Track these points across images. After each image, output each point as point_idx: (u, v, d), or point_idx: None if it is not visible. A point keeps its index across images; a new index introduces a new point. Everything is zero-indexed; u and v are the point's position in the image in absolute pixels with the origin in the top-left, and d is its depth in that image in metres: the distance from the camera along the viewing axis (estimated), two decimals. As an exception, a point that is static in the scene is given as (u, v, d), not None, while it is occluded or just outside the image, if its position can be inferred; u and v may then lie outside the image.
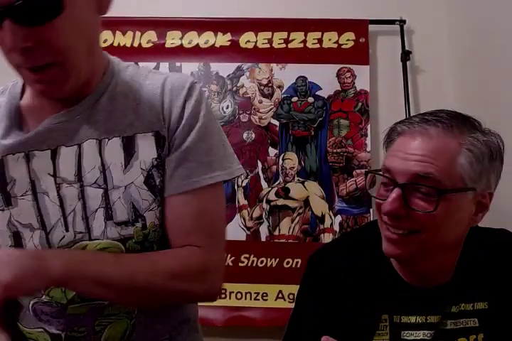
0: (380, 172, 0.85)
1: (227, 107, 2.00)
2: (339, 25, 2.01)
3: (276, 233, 1.91)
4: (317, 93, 1.99)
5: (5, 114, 0.80)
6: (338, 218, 1.91)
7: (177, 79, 0.83)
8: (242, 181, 1.94)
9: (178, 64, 2.03)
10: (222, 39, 2.03)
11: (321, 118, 1.97)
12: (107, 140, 0.78)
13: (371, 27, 2.02)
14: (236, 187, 1.94)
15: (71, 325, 0.79)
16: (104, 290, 0.73)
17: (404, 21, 2.03)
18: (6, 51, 0.69)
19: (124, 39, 2.03)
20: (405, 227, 0.81)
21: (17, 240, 0.78)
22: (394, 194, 0.80)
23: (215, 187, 0.81)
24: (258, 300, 1.86)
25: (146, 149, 0.79)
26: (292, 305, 0.98)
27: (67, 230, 0.77)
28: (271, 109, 1.98)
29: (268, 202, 1.93)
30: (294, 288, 0.99)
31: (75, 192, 0.77)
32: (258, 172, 1.95)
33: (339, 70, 1.99)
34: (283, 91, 1.99)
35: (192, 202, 0.80)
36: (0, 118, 0.80)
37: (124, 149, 0.78)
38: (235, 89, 2.01)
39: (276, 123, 1.98)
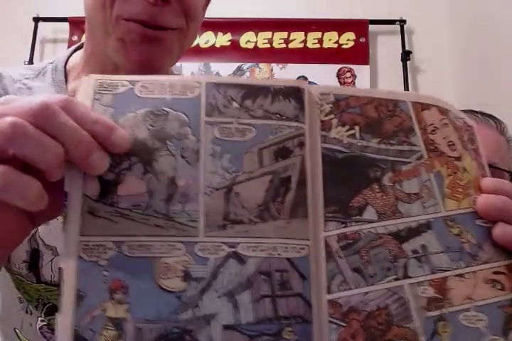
0: None
1: (228, 107, 1.99)
2: (339, 25, 2.01)
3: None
4: (317, 93, 1.99)
5: None
6: (338, 218, 1.91)
7: None
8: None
9: (178, 64, 2.01)
10: (223, 39, 2.03)
11: (321, 118, 1.97)
12: None
13: (371, 27, 2.02)
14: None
15: None
16: None
17: (404, 21, 2.03)
18: None
19: (124, 39, 2.03)
20: None
21: (34, 257, 0.69)
22: None
23: None
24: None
25: None
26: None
27: None
28: (271, 109, 1.98)
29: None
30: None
31: None
32: (258, 172, 1.95)
33: (339, 70, 1.99)
34: (283, 91, 2.00)
35: None
36: None
37: None
38: (235, 89, 2.00)
39: (277, 123, 1.98)
